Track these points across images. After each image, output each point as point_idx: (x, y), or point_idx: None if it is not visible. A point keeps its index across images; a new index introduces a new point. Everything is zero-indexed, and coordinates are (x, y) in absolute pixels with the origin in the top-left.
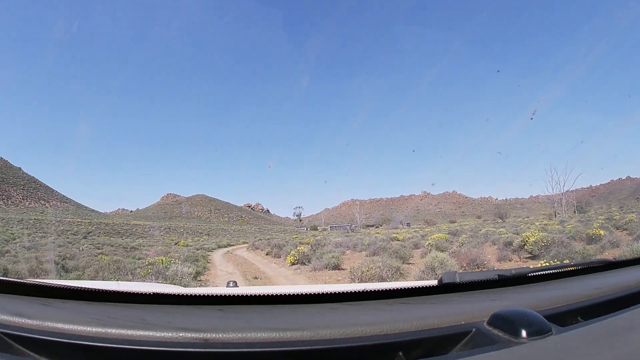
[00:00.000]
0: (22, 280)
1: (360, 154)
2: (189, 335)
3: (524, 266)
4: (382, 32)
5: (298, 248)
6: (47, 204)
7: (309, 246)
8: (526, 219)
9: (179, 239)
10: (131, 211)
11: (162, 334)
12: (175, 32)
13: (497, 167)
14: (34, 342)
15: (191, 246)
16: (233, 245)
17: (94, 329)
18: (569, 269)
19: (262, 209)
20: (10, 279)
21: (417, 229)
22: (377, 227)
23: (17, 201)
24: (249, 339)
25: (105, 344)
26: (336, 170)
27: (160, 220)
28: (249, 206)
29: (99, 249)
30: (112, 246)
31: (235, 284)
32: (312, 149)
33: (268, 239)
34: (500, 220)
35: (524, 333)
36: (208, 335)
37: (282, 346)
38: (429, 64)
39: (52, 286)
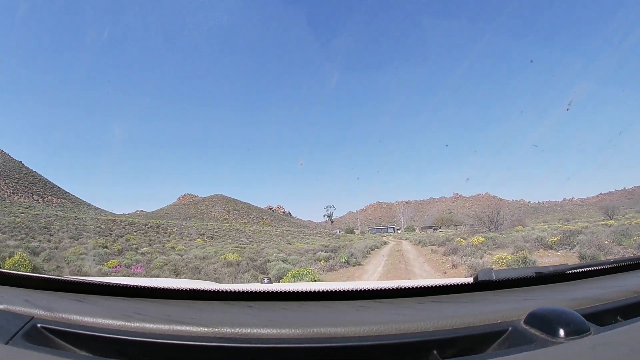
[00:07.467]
0: (59, 277)
1: (386, 155)
2: (216, 330)
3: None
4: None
5: None
6: (40, 200)
7: None
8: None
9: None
10: (148, 212)
11: (187, 329)
12: (196, 35)
13: (527, 167)
14: (73, 336)
15: None
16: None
17: (130, 324)
18: (608, 266)
19: (284, 212)
20: (47, 275)
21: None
22: (435, 229)
23: (5, 195)
24: (279, 335)
25: (137, 338)
26: (360, 173)
27: (174, 220)
28: (270, 208)
29: None
30: None
31: (270, 281)
32: (333, 151)
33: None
34: (608, 218)
35: (561, 332)
36: (237, 330)
37: (314, 342)
38: (460, 56)
39: (89, 282)
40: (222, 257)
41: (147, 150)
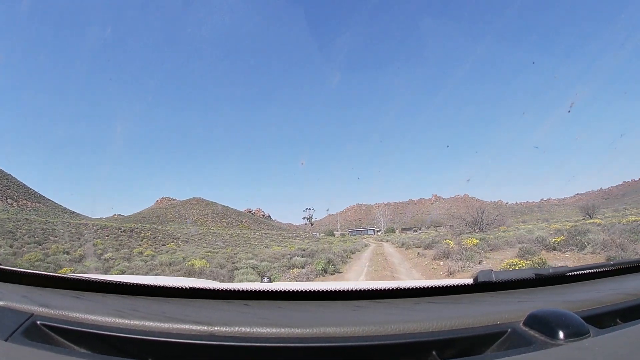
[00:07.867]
0: (58, 274)
1: (366, 158)
2: (213, 328)
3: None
4: (411, 27)
5: None
6: (14, 203)
7: None
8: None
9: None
10: (125, 216)
11: (185, 327)
12: (193, 37)
13: (504, 170)
14: (72, 333)
15: None
16: None
17: (129, 322)
18: (608, 268)
19: (263, 215)
20: (47, 272)
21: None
22: (415, 230)
23: None
24: (277, 334)
25: (136, 336)
26: (343, 174)
27: (151, 223)
28: (249, 211)
29: None
30: None
31: (269, 280)
32: (317, 153)
33: None
34: (588, 217)
35: (561, 334)
36: (234, 329)
37: (312, 342)
38: (461, 58)
39: (88, 280)
40: (189, 263)
41: (127, 153)
